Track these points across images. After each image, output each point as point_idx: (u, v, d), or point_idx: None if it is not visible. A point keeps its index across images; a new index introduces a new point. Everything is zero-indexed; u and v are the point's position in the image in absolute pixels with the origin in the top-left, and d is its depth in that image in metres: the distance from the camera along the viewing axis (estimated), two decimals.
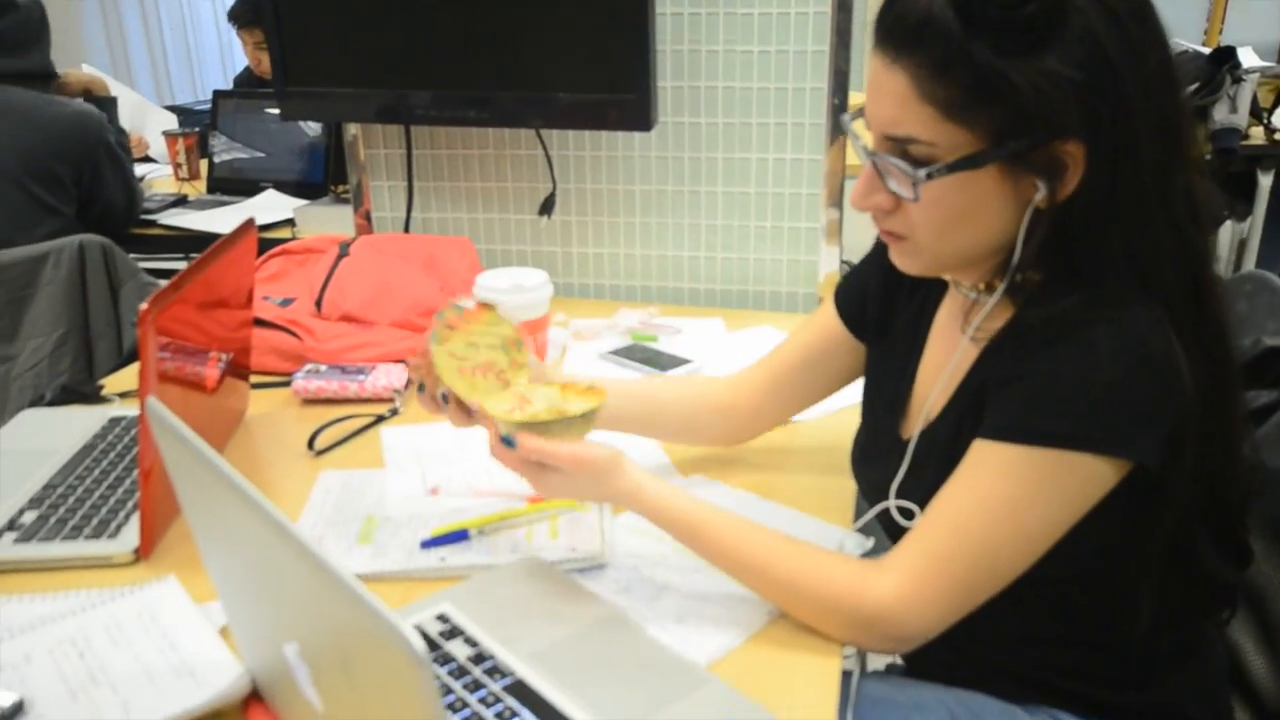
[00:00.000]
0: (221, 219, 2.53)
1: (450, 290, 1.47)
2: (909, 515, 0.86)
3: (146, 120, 3.38)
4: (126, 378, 1.44)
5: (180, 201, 2.76)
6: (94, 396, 1.34)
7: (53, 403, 1.33)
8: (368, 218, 1.88)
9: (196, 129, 3.11)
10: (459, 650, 0.80)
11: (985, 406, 0.79)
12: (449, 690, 0.76)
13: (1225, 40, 4.02)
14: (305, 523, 1.02)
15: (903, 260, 0.84)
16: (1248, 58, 3.18)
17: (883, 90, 0.76)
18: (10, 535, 0.98)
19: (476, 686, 0.76)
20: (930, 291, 0.96)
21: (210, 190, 2.88)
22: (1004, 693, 0.87)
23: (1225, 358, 0.79)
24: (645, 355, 1.44)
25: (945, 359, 0.89)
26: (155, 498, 0.96)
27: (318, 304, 1.47)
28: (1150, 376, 0.73)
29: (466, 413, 0.94)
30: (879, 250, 1.03)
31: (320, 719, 0.62)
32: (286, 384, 1.35)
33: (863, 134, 0.81)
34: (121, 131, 2.37)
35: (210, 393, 1.14)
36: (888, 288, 0.99)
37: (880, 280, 1.00)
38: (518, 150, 1.74)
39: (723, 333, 1.58)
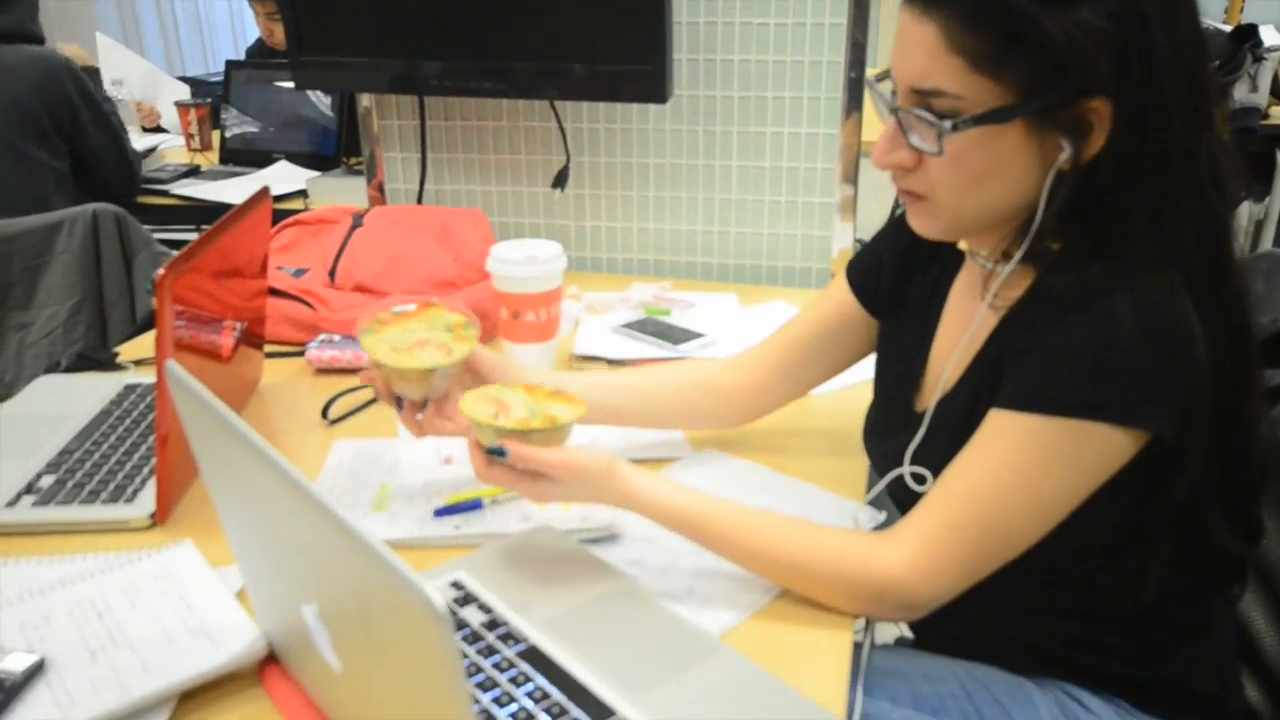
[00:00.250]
0: (234, 189, 2.53)
1: (464, 261, 1.47)
2: (921, 481, 0.86)
3: (159, 90, 3.37)
4: (140, 346, 1.44)
5: (193, 172, 2.76)
6: (109, 363, 1.35)
7: (68, 369, 1.34)
8: (381, 189, 1.88)
9: (209, 100, 3.11)
10: (473, 617, 0.81)
11: (1002, 376, 0.79)
12: (463, 656, 0.76)
13: (1246, 18, 3.97)
14: (322, 486, 1.03)
15: (921, 222, 0.84)
16: (1269, 36, 3.14)
17: (911, 42, 0.75)
18: (28, 499, 0.99)
19: (490, 652, 0.77)
20: (946, 264, 0.95)
21: (222, 161, 2.88)
22: (1013, 665, 0.88)
23: (1244, 330, 0.79)
24: (658, 329, 1.44)
25: (961, 330, 0.89)
26: (171, 462, 0.97)
27: (331, 274, 1.47)
28: (1169, 347, 0.73)
29: (444, 418, 0.94)
30: (892, 226, 1.03)
31: (339, 680, 0.63)
32: (300, 353, 1.35)
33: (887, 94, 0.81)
34: (107, 100, 2.37)
35: (225, 361, 1.14)
36: (902, 262, 0.99)
37: (894, 255, 0.99)
38: (532, 122, 1.73)
39: (736, 307, 1.58)
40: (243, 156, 2.85)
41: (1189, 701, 0.86)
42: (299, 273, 1.50)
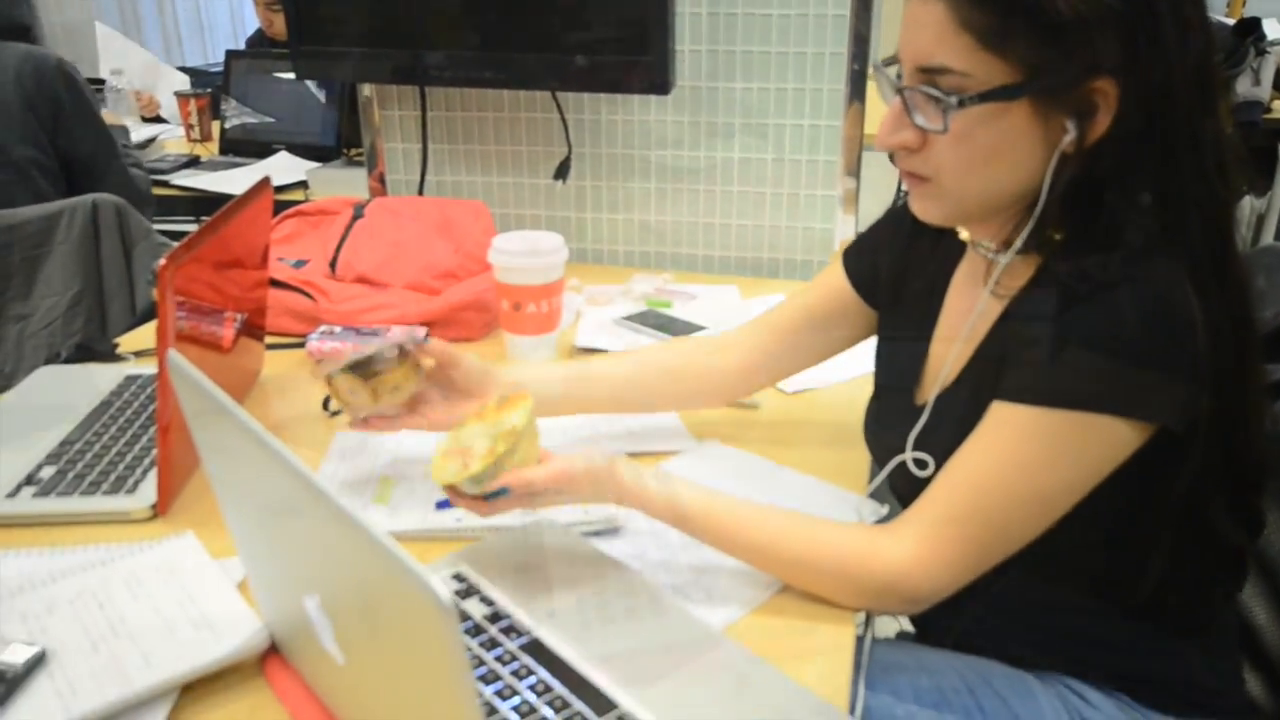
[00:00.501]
0: (234, 180, 2.52)
1: (465, 253, 1.47)
2: (923, 465, 0.86)
3: (158, 80, 3.36)
4: (140, 338, 1.44)
5: (192, 162, 2.75)
6: (109, 354, 1.35)
7: (68, 360, 1.33)
8: (382, 180, 1.87)
9: (208, 90, 3.10)
10: (475, 609, 0.81)
11: (1005, 367, 0.79)
12: (465, 648, 0.76)
13: (1249, 12, 3.96)
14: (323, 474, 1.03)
15: (924, 206, 0.83)
16: (1272, 30, 3.13)
17: (919, 21, 0.75)
18: (29, 490, 0.99)
19: (493, 645, 0.77)
20: (946, 256, 0.95)
21: (222, 152, 2.87)
22: (1014, 658, 0.88)
23: (1246, 321, 0.79)
24: (659, 321, 1.44)
25: (963, 321, 0.88)
26: (172, 453, 0.97)
27: (332, 265, 1.46)
28: (1173, 338, 0.72)
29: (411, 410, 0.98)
30: (891, 215, 1.03)
31: (341, 672, 0.63)
32: (301, 345, 1.35)
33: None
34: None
35: (225, 352, 1.14)
36: (902, 252, 0.99)
37: (894, 244, 0.99)
38: (533, 113, 1.72)
39: (737, 300, 1.57)
40: (243, 147, 2.84)
41: (1190, 695, 0.86)
42: (299, 264, 1.50)
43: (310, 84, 2.77)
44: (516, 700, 0.71)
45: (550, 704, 0.70)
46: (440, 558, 0.90)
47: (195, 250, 0.98)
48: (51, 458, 1.05)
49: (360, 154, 2.25)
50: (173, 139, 3.08)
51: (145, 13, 5.28)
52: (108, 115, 2.41)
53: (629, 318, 1.45)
